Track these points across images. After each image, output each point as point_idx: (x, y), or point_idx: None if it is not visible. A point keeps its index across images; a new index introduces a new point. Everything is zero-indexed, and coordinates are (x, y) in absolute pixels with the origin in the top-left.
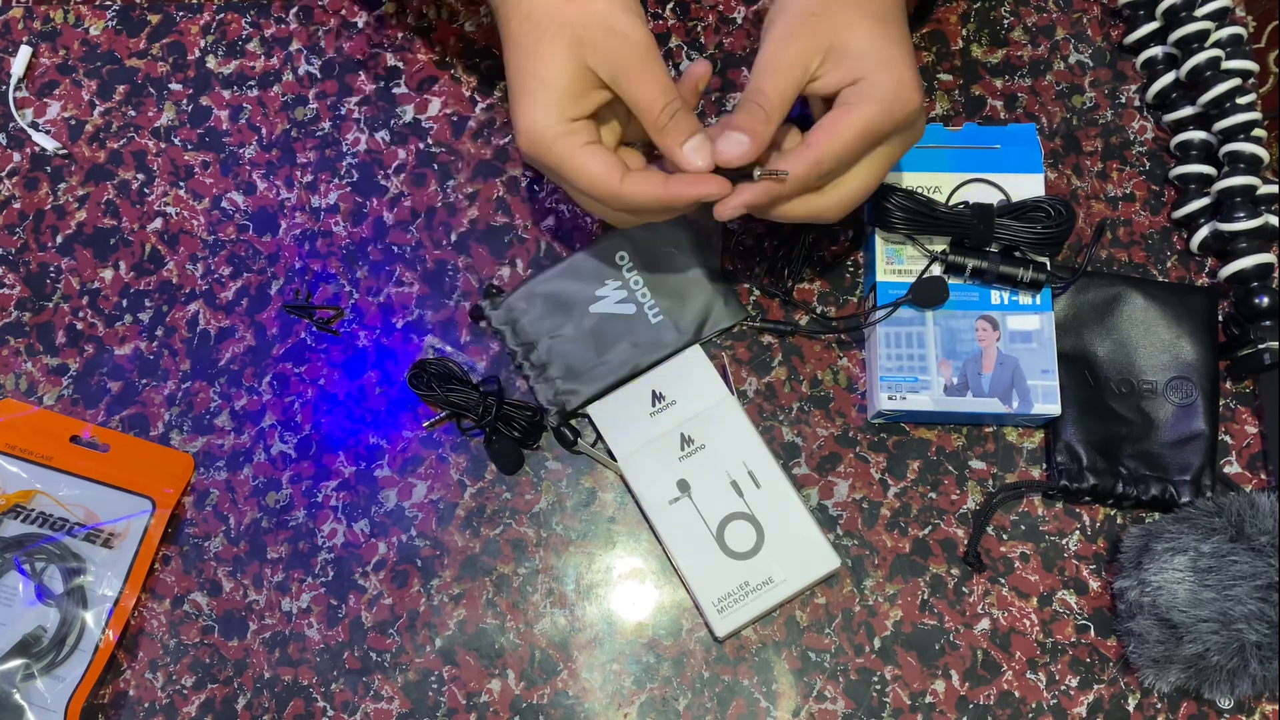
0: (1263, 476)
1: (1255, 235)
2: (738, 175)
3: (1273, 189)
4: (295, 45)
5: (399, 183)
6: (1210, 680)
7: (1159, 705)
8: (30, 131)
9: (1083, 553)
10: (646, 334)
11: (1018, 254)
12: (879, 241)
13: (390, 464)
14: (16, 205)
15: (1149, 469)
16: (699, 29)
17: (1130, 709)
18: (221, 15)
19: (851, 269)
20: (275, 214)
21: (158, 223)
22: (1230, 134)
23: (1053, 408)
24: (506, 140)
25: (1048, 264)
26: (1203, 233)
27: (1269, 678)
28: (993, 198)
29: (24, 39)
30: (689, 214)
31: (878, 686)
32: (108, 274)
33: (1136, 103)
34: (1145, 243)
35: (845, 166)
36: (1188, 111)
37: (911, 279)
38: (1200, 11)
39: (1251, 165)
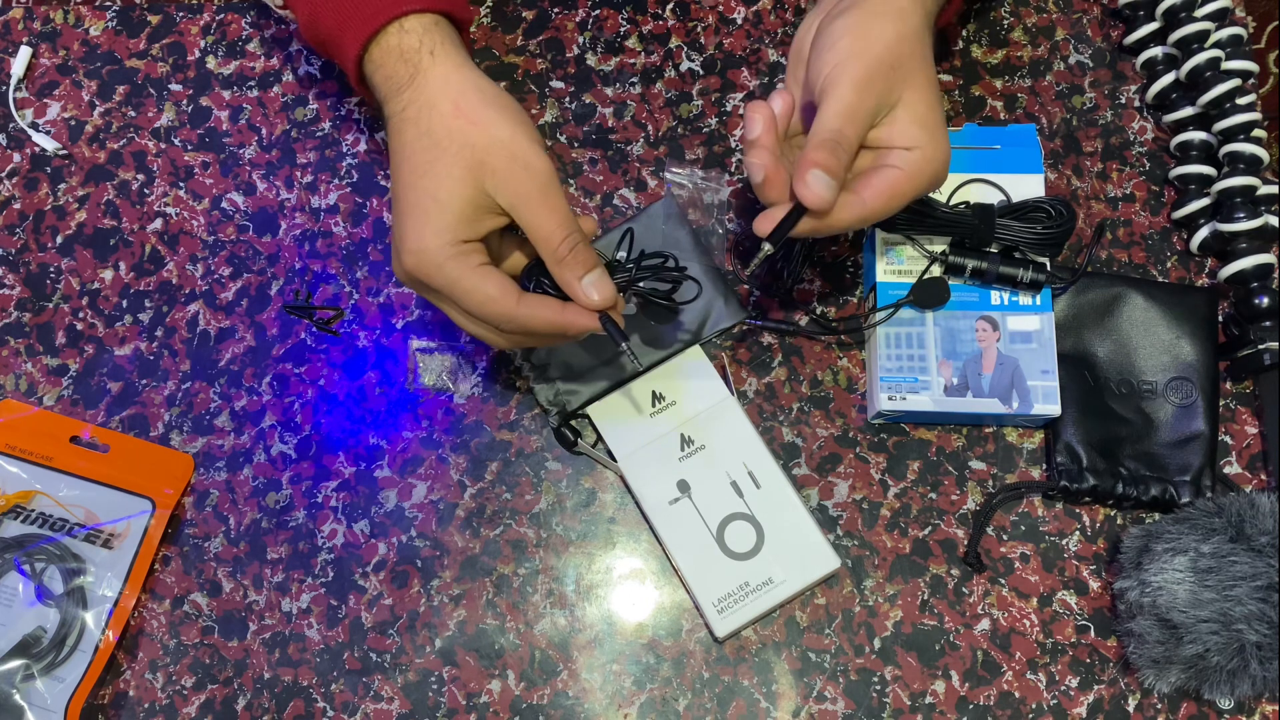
0: (1263, 477)
1: (1255, 236)
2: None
3: (1273, 189)
4: (295, 46)
5: None
6: (1210, 681)
7: (1159, 706)
8: (30, 132)
9: (1083, 553)
10: (647, 334)
11: (1018, 254)
12: (879, 242)
13: (390, 464)
14: (16, 206)
15: (1149, 469)
16: (699, 29)
17: (1130, 709)
18: (221, 16)
19: (851, 269)
20: (275, 214)
21: (158, 223)
22: (1230, 134)
23: (1053, 408)
24: None
25: (1048, 264)
26: (1203, 233)
27: (1269, 678)
28: (993, 198)
29: (24, 39)
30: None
31: (878, 687)
32: (108, 274)
33: (1136, 103)
34: (1145, 243)
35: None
36: (1188, 112)
37: (911, 279)
38: (1200, 12)
39: (1251, 166)
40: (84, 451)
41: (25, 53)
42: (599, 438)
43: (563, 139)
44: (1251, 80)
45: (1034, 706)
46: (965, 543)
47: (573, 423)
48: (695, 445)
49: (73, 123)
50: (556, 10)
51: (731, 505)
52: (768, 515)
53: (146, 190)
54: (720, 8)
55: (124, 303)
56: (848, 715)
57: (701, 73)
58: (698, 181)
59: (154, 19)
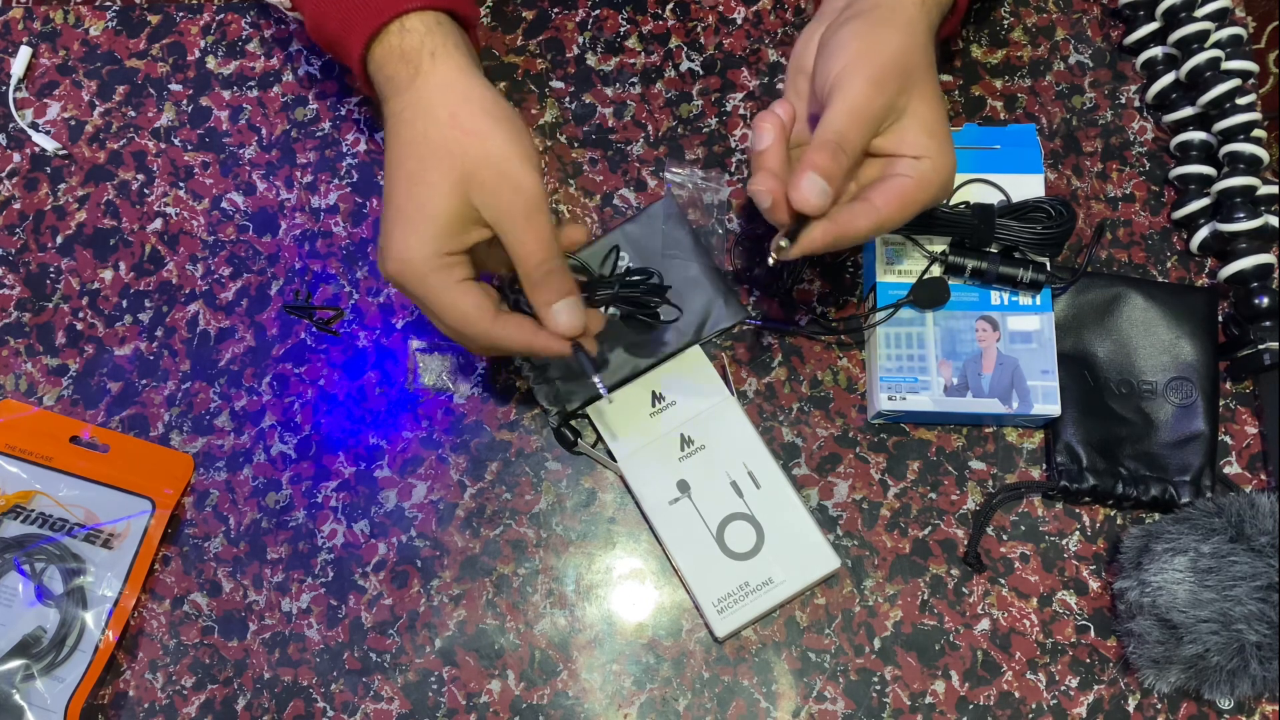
0: (1263, 477)
1: (1255, 236)
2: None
3: (1272, 189)
4: (295, 46)
5: None
6: (1210, 681)
7: (1159, 706)
8: (30, 132)
9: (1083, 553)
10: (629, 342)
11: (1018, 254)
12: (879, 242)
13: (390, 464)
14: (16, 206)
15: (1149, 469)
16: (699, 29)
17: (1130, 709)
18: (221, 16)
19: (851, 269)
20: (275, 214)
21: (158, 223)
22: (1230, 134)
23: (1053, 408)
24: None
25: (1048, 264)
26: (1203, 233)
27: (1269, 678)
28: (993, 198)
29: (24, 39)
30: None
31: (878, 687)
32: (108, 274)
33: (1136, 103)
34: (1145, 243)
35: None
36: (1188, 112)
37: (911, 280)
38: (1200, 12)
39: (1251, 166)
40: (84, 451)
41: (25, 53)
42: (599, 438)
43: (563, 139)
44: (1251, 80)
45: (1034, 706)
46: (965, 543)
47: (573, 423)
48: (695, 445)
49: (73, 123)
50: (556, 10)
51: (731, 505)
52: (768, 515)
53: (146, 190)
54: (720, 8)
55: (124, 303)
56: (848, 715)
57: (701, 73)
58: (698, 181)
59: (154, 19)
